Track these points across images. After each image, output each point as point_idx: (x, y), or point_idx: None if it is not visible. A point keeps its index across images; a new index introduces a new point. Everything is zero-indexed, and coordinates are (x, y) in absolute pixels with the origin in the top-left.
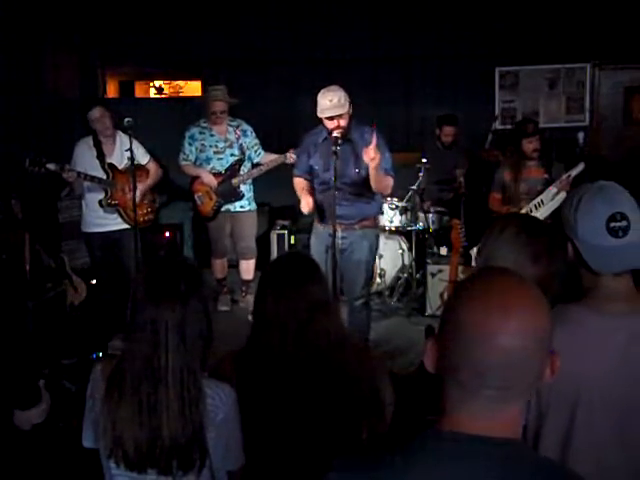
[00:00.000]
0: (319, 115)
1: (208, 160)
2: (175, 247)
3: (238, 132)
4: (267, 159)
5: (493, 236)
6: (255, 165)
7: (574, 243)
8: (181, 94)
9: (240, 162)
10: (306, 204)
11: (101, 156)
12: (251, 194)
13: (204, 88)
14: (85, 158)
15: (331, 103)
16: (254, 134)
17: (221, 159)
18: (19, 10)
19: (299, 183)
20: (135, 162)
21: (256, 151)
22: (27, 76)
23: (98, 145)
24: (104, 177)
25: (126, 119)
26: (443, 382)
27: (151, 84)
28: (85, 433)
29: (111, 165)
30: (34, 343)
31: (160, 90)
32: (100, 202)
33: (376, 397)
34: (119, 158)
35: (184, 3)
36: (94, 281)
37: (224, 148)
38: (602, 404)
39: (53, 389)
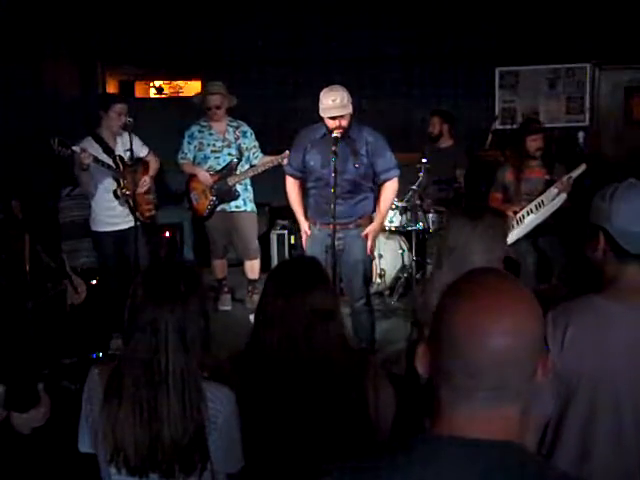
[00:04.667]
0: (321, 114)
1: (205, 159)
2: (175, 247)
3: (238, 133)
4: (263, 161)
5: (467, 230)
6: (252, 167)
7: (607, 231)
8: (181, 94)
9: (237, 162)
10: (305, 232)
11: (108, 150)
12: (248, 195)
13: (203, 87)
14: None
15: (334, 103)
16: (254, 136)
17: (218, 158)
18: (19, 10)
19: (292, 192)
20: (136, 156)
21: (254, 153)
22: (27, 76)
23: (102, 142)
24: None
25: (118, 123)
26: (436, 386)
27: (151, 84)
28: (81, 438)
29: (120, 158)
30: (34, 343)
31: (160, 90)
32: (115, 192)
33: (364, 405)
34: (121, 154)
35: (184, 3)
36: (94, 281)
37: (222, 147)
38: (626, 394)
39: (53, 389)
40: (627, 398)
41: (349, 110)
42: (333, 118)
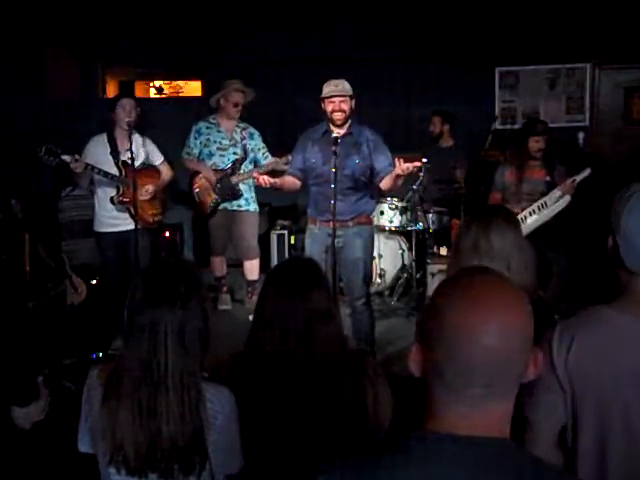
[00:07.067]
0: (323, 97)
1: (210, 155)
2: (175, 247)
3: (244, 134)
4: (267, 162)
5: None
6: (257, 167)
7: (615, 237)
8: (181, 94)
9: (241, 161)
10: (274, 181)
11: (115, 152)
12: (251, 195)
13: (203, 87)
14: (98, 153)
15: (336, 88)
16: (261, 138)
17: (223, 156)
18: (19, 10)
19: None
20: (149, 162)
21: (263, 154)
22: (27, 76)
23: (113, 141)
24: (116, 174)
25: (126, 119)
26: (429, 385)
27: (151, 84)
28: (81, 438)
29: (124, 163)
30: (34, 343)
31: (160, 90)
32: (112, 199)
33: (362, 406)
34: (126, 159)
35: (184, 3)
36: (94, 281)
37: (228, 146)
38: (636, 406)
39: (53, 389)
40: (637, 410)
41: (350, 94)
42: (333, 101)
